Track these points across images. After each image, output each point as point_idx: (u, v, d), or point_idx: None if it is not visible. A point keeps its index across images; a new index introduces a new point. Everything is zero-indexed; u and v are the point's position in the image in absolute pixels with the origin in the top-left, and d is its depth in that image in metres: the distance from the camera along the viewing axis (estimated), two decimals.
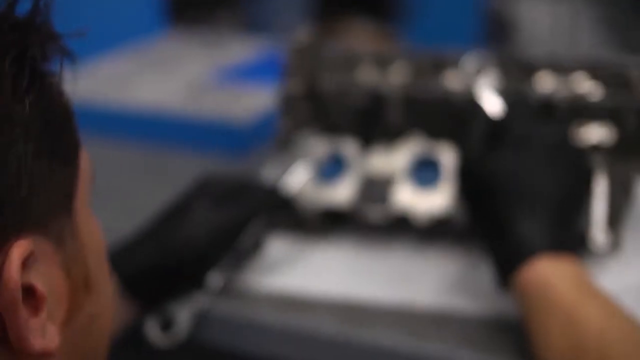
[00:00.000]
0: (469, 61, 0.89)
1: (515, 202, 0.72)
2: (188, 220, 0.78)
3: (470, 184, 0.77)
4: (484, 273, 0.79)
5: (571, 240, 0.73)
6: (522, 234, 0.70)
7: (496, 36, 2.09)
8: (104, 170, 0.61)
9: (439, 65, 0.96)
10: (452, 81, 0.93)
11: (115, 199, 0.96)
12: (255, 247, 0.84)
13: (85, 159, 0.51)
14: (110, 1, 1.50)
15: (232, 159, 1.17)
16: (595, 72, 0.88)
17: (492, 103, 0.81)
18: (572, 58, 0.93)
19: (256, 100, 1.25)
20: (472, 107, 0.83)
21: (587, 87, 0.88)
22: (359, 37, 2.18)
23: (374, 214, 0.90)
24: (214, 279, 0.79)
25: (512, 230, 0.71)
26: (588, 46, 1.89)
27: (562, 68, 0.90)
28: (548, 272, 0.68)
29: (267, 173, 0.97)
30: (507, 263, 0.71)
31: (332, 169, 0.93)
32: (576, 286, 0.66)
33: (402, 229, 0.91)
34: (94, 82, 1.35)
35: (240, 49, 1.67)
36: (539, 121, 0.82)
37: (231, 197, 0.81)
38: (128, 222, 0.84)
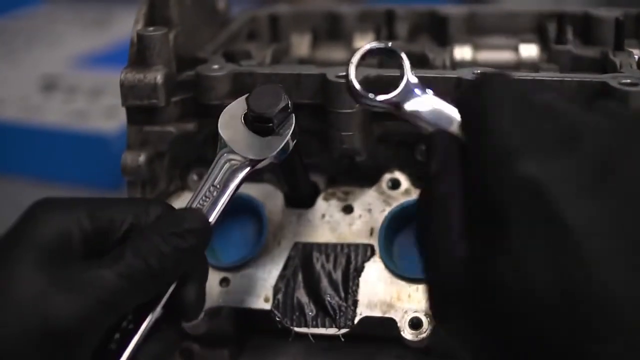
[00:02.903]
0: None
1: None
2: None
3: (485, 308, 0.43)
4: None
5: None
6: None
7: None
8: None
9: (436, 31, 0.77)
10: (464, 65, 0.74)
11: None
12: None
13: None
14: None
15: (100, 193, 0.99)
16: None
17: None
18: None
19: None
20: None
21: None
22: None
23: (321, 321, 0.65)
24: None
25: None
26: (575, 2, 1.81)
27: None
28: None
29: None
30: None
31: (239, 238, 0.69)
32: None
33: (374, 347, 0.69)
34: None
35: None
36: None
37: (94, 247, 0.52)
38: None
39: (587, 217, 0.40)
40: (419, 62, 0.72)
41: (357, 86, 0.49)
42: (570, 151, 0.41)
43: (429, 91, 0.49)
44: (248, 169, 0.56)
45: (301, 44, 0.77)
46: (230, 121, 0.58)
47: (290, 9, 0.79)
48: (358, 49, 0.51)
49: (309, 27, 0.78)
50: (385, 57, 0.50)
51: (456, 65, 0.71)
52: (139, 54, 0.65)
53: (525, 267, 0.41)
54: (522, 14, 0.76)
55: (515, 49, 0.73)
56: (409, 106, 0.49)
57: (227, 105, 0.61)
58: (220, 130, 0.58)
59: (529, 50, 0.71)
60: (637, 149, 0.42)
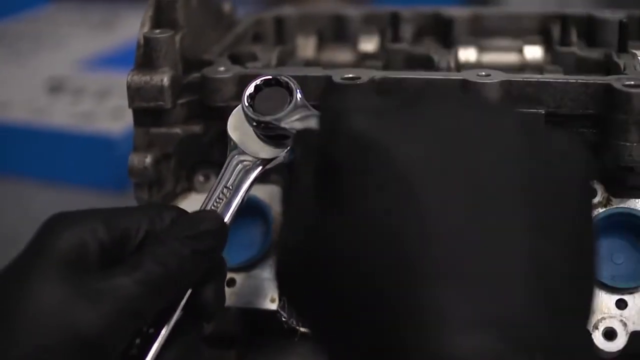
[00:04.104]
0: None
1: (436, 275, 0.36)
2: (22, 316, 0.47)
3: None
4: None
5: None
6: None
7: None
8: None
9: (441, 33, 0.75)
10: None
11: None
12: None
13: None
14: None
15: (106, 195, 1.03)
16: None
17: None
18: None
19: None
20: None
21: None
22: None
23: None
24: None
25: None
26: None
27: None
28: None
29: None
30: None
31: (245, 239, 0.65)
32: None
33: None
34: None
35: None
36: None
37: (111, 259, 0.50)
38: None
39: (416, 161, 0.39)
40: (423, 64, 0.68)
41: (250, 113, 0.53)
42: (400, 109, 0.41)
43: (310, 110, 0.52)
44: (260, 168, 0.55)
45: (307, 46, 0.75)
46: (239, 122, 0.57)
47: (295, 11, 0.77)
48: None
49: (314, 29, 0.76)
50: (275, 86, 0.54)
51: (461, 67, 0.69)
52: (145, 57, 0.63)
53: (357, 221, 0.39)
54: (526, 16, 0.74)
55: (520, 51, 0.71)
56: (286, 123, 0.53)
57: (233, 107, 0.60)
58: (229, 132, 0.57)
59: (534, 52, 0.70)
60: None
